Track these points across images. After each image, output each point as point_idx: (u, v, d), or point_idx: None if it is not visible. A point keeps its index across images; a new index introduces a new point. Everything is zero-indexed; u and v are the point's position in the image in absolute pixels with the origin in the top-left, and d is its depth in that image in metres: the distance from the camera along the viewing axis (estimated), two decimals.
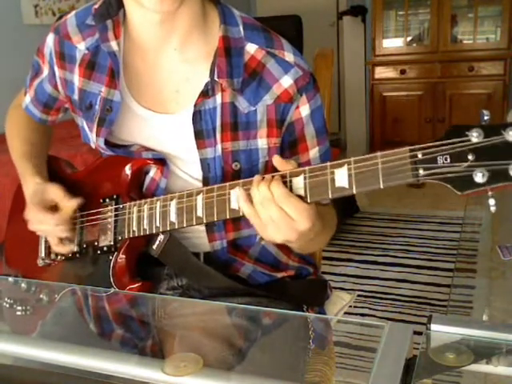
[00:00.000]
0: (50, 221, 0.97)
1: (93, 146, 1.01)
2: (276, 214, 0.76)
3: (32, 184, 1.02)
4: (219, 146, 0.91)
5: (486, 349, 0.66)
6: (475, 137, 0.61)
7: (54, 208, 0.98)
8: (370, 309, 2.33)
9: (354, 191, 0.70)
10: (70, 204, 0.97)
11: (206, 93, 0.91)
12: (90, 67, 0.97)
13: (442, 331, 0.68)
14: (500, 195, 0.63)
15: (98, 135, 0.96)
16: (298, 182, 0.74)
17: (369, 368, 0.60)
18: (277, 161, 0.79)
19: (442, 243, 2.94)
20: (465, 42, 4.21)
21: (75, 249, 1.00)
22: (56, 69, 1.02)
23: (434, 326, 0.68)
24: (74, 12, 1.01)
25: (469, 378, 0.68)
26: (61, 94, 1.05)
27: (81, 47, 0.98)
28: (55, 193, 0.98)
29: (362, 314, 2.28)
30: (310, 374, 0.97)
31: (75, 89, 1.00)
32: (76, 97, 1.00)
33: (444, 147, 0.63)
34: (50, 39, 1.02)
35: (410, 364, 0.61)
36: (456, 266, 2.62)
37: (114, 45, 0.94)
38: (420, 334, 0.67)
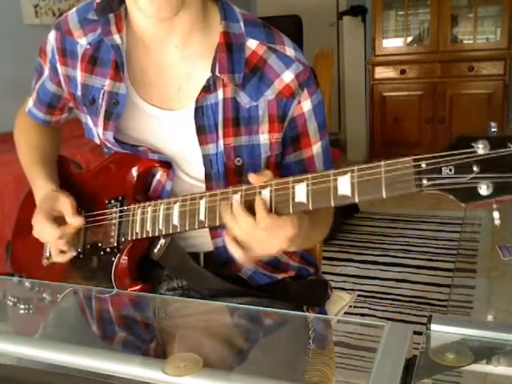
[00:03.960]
0: (52, 233, 0.96)
1: (97, 141, 1.01)
2: (261, 234, 0.78)
3: (44, 189, 1.02)
4: (221, 142, 0.91)
5: (486, 349, 0.66)
6: (481, 148, 0.60)
7: (60, 219, 0.98)
8: (370, 309, 2.32)
9: (356, 200, 0.70)
10: (75, 222, 0.97)
11: (208, 88, 0.91)
12: (92, 62, 0.97)
13: (442, 331, 0.68)
14: (497, 204, 0.63)
15: (105, 129, 0.96)
16: (301, 189, 0.74)
17: (369, 368, 0.60)
18: (252, 178, 0.80)
19: (442, 243, 2.94)
20: (465, 42, 4.21)
21: (79, 249, 1.00)
22: (58, 66, 1.02)
23: (434, 326, 0.68)
24: (75, 8, 1.01)
25: (469, 378, 0.68)
26: (64, 91, 1.05)
27: (82, 42, 0.98)
28: (64, 206, 0.97)
29: (362, 314, 2.28)
30: (310, 374, 0.97)
31: (78, 84, 0.99)
32: (79, 92, 1.00)
33: (449, 158, 0.62)
34: (52, 36, 1.02)
35: (410, 364, 0.61)
36: (456, 265, 2.62)
37: (116, 38, 0.94)
38: (420, 334, 0.67)
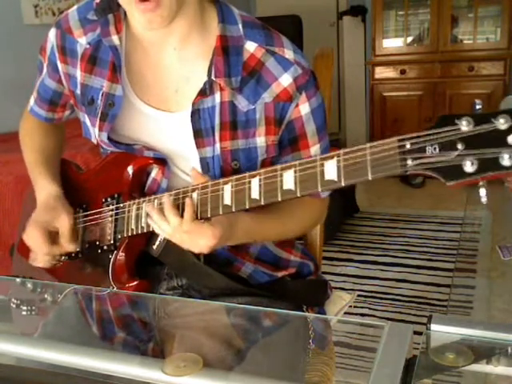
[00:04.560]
0: (41, 246, 0.98)
1: (94, 141, 1.01)
2: (183, 236, 0.84)
3: (46, 191, 1.02)
4: (218, 145, 0.91)
5: (486, 349, 0.66)
6: (465, 125, 0.60)
7: (53, 235, 0.98)
8: (370, 309, 2.32)
9: (343, 184, 0.69)
10: (68, 247, 0.99)
11: (204, 92, 0.91)
12: (92, 62, 0.97)
13: (442, 331, 0.68)
14: (499, 196, 0.62)
15: (100, 130, 0.96)
16: (289, 177, 0.74)
17: (369, 368, 0.60)
18: (193, 174, 0.86)
19: (442, 243, 2.94)
20: (465, 41, 4.20)
21: (78, 248, 1.00)
22: (58, 63, 1.02)
23: (434, 326, 0.68)
24: (75, 6, 1.01)
25: (469, 378, 0.68)
26: (65, 88, 1.05)
27: (82, 41, 0.98)
28: (63, 227, 0.98)
29: (362, 314, 2.28)
30: (309, 374, 0.97)
31: (78, 84, 1.00)
32: (79, 91, 1.00)
33: (433, 136, 0.62)
34: (52, 33, 1.02)
35: (410, 364, 0.61)
36: (456, 265, 2.62)
37: (115, 39, 0.95)
38: (420, 334, 0.67)
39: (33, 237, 0.98)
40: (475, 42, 4.11)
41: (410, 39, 4.34)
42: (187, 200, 0.83)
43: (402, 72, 4.24)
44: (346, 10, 4.59)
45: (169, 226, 0.84)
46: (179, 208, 0.84)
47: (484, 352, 0.66)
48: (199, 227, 0.82)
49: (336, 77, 4.78)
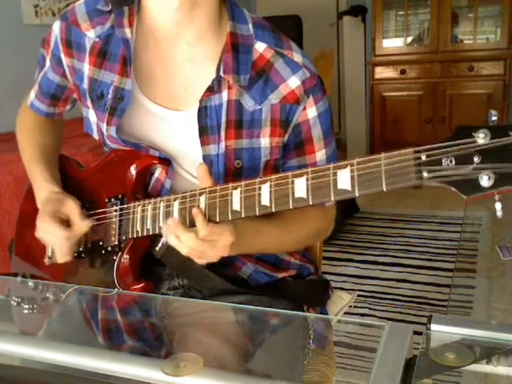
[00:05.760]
0: (59, 234, 0.96)
1: (96, 136, 1.00)
2: (202, 246, 0.82)
3: (46, 190, 1.02)
4: (223, 144, 0.91)
5: (486, 349, 0.66)
6: (482, 138, 0.59)
7: (65, 222, 0.97)
8: (370, 309, 2.32)
9: (357, 194, 0.68)
10: (83, 224, 0.96)
11: (212, 88, 0.90)
12: (102, 56, 0.96)
13: (442, 331, 0.68)
14: (499, 196, 0.62)
15: (109, 124, 0.95)
16: (300, 184, 0.74)
17: (369, 368, 0.60)
18: (201, 171, 0.83)
19: (442, 243, 2.94)
20: (465, 42, 4.21)
21: (81, 248, 1.00)
22: (63, 56, 1.01)
23: (434, 326, 0.68)
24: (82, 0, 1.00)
25: (469, 378, 0.68)
26: (70, 82, 1.04)
27: (90, 35, 0.97)
28: (71, 209, 0.97)
29: (362, 314, 2.28)
30: (309, 374, 0.97)
31: (84, 77, 0.99)
32: (85, 86, 0.99)
33: (449, 149, 0.61)
34: (57, 26, 1.01)
35: (410, 364, 0.61)
36: (456, 265, 2.62)
37: (127, 32, 0.94)
38: (420, 334, 0.67)
39: (47, 228, 0.97)
40: (475, 42, 4.11)
41: (409, 39, 4.35)
42: (194, 210, 0.81)
43: (402, 72, 4.24)
44: (346, 10, 4.59)
45: (185, 243, 0.82)
46: (187, 217, 0.83)
47: (484, 352, 0.66)
48: (214, 227, 0.80)
49: (336, 77, 4.78)
